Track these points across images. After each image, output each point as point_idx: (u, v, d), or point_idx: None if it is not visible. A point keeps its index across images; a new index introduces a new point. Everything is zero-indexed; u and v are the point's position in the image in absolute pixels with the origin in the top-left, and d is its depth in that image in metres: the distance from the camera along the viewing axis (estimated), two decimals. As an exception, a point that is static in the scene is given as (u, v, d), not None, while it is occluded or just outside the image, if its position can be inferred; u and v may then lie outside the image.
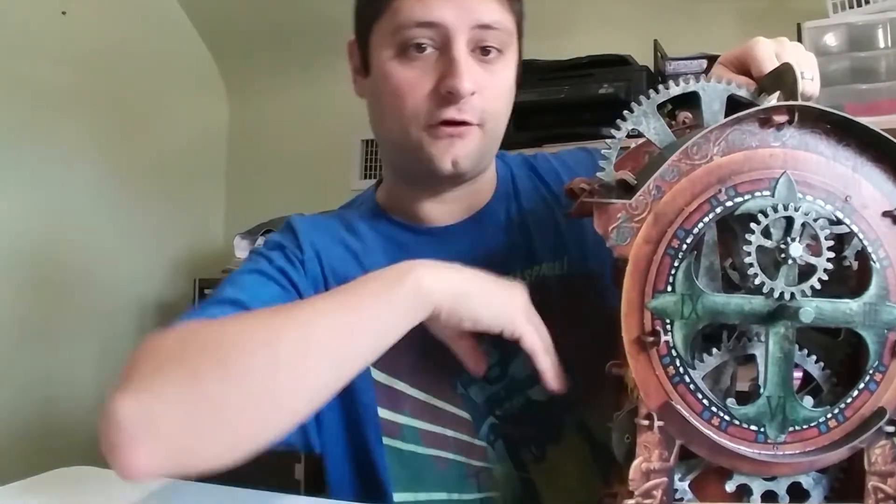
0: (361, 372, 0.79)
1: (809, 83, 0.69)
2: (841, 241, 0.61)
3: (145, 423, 0.57)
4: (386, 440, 0.82)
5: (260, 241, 2.50)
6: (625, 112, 0.63)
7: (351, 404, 0.82)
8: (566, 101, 1.94)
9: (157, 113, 2.82)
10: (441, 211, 0.88)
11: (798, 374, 0.62)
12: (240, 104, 3.13)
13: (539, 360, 0.70)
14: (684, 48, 1.97)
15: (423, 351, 0.81)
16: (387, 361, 0.80)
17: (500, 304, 0.69)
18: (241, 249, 2.55)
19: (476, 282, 0.70)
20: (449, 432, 0.82)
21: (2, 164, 2.35)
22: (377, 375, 0.82)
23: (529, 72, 2.11)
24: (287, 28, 2.78)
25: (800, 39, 1.71)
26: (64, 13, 2.51)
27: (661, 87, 0.63)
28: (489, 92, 0.80)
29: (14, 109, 2.36)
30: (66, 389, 2.52)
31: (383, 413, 0.82)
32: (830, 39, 1.72)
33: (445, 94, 0.77)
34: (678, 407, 0.57)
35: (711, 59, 1.85)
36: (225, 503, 0.76)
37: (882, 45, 1.70)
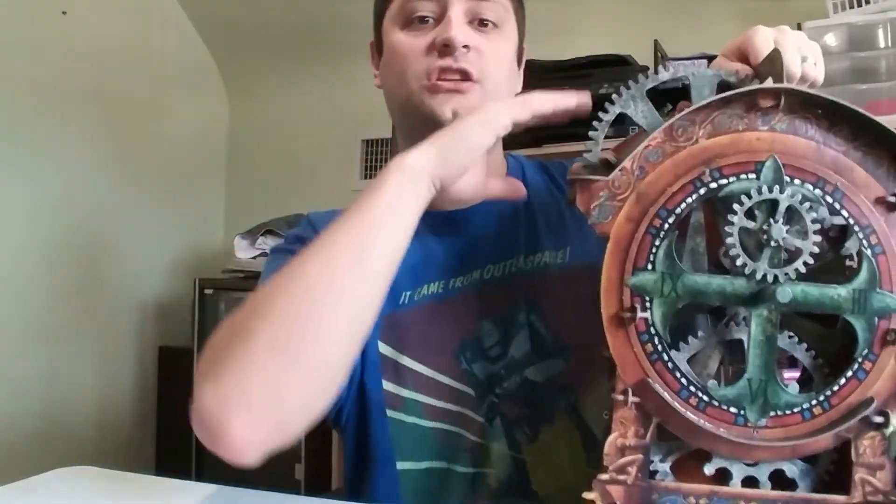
0: (369, 344, 0.83)
1: (811, 67, 0.69)
2: (844, 231, 0.60)
3: (229, 401, 0.60)
4: (390, 412, 0.84)
5: (260, 241, 2.51)
6: (613, 95, 0.63)
7: (360, 375, 0.84)
8: (566, 101, 1.94)
9: (156, 113, 2.83)
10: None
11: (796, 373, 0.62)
12: (240, 104, 3.14)
13: (552, 112, 0.72)
14: (685, 48, 1.97)
15: (429, 327, 0.85)
16: (393, 336, 0.85)
17: (481, 118, 0.70)
18: (242, 249, 2.56)
19: (447, 129, 0.71)
20: (451, 406, 0.84)
21: (1, 164, 2.35)
22: (384, 349, 0.85)
23: (529, 72, 2.11)
24: (287, 28, 2.79)
25: (800, 39, 1.71)
26: (64, 13, 2.52)
27: (650, 72, 0.63)
28: (486, 54, 0.83)
29: (14, 109, 2.37)
30: (67, 389, 2.53)
31: (388, 386, 0.84)
32: (831, 39, 1.71)
33: (440, 46, 0.81)
34: (655, 385, 0.57)
35: (712, 60, 1.85)
36: (225, 503, 0.77)
37: (882, 45, 1.70)
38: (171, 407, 2.65)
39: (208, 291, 2.56)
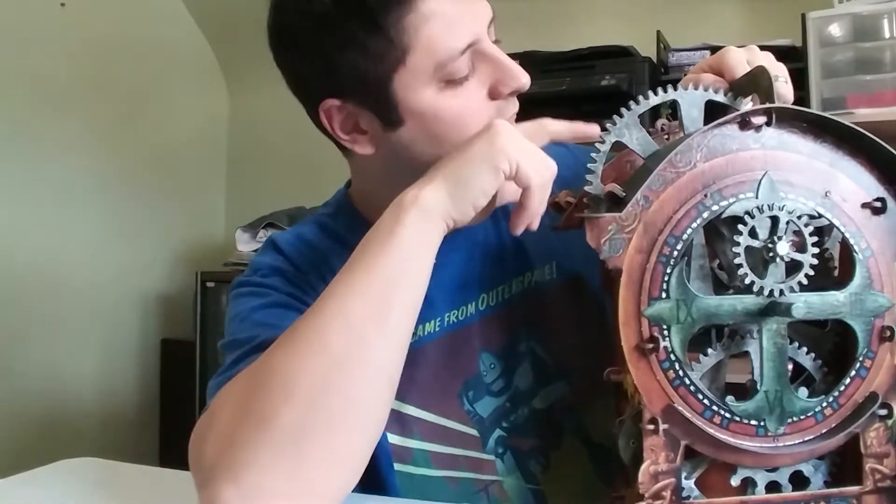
0: None
1: (783, 85, 0.71)
2: (821, 233, 0.63)
3: (255, 498, 0.58)
4: (398, 466, 0.80)
5: (261, 233, 2.52)
6: (607, 125, 0.65)
7: None
8: (568, 92, 1.94)
9: (156, 106, 2.83)
10: None
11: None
12: (240, 96, 3.13)
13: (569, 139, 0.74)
14: (687, 39, 1.96)
15: (430, 370, 0.81)
16: None
17: (491, 160, 0.65)
18: (243, 242, 2.58)
19: (454, 164, 0.67)
20: (458, 451, 0.81)
21: (1, 158, 2.37)
22: None
23: (531, 63, 2.11)
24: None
25: (804, 30, 1.69)
26: (63, 5, 2.52)
27: (640, 97, 0.65)
28: None
29: (13, 102, 2.38)
30: (70, 382, 2.57)
31: (393, 439, 0.80)
32: (835, 30, 1.69)
33: (509, 95, 0.75)
34: (680, 409, 0.59)
35: (714, 50, 1.84)
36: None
37: (887, 35, 1.67)
38: (173, 399, 2.68)
39: (210, 284, 2.59)
